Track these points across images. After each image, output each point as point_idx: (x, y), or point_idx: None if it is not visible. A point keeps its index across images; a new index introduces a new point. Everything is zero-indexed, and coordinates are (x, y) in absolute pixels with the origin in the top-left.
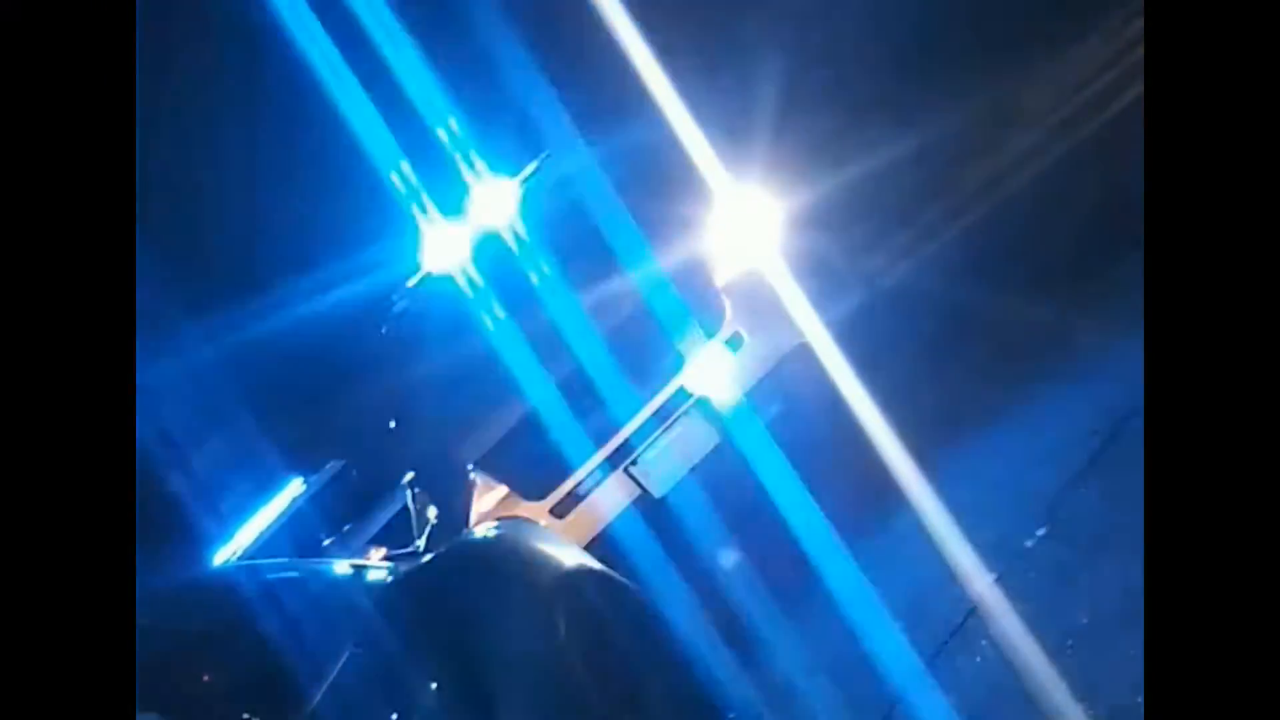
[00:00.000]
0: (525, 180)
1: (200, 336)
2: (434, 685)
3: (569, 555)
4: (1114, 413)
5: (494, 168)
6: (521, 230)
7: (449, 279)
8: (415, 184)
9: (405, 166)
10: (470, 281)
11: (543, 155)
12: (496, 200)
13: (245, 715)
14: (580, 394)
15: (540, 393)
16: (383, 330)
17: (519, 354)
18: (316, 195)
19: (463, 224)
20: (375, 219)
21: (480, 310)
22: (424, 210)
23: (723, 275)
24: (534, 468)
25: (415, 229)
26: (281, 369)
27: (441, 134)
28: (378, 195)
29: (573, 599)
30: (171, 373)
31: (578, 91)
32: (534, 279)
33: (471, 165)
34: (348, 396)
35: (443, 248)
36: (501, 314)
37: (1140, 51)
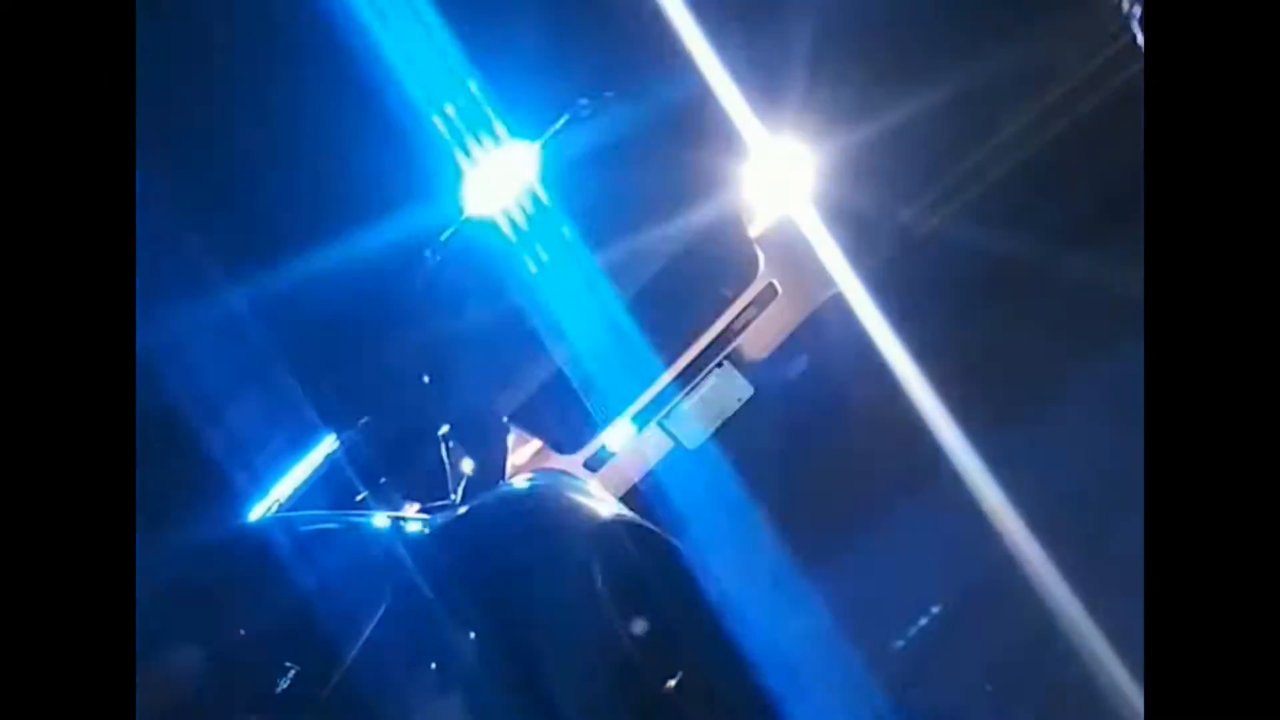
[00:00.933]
0: (547, 138)
1: (234, 291)
2: (472, 635)
3: (605, 506)
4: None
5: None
6: (542, 192)
7: (485, 228)
8: (456, 128)
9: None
10: (503, 234)
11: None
12: (519, 157)
13: (284, 664)
14: (612, 348)
15: (573, 346)
16: (417, 283)
17: (552, 308)
18: (350, 147)
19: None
20: (410, 172)
21: (514, 263)
22: (466, 156)
23: (756, 227)
24: (568, 421)
25: (455, 175)
26: (315, 323)
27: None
28: (412, 148)
29: (609, 549)
30: (205, 327)
31: (611, 42)
32: (565, 234)
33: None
34: (382, 350)
35: (482, 194)
36: (534, 268)
37: None
